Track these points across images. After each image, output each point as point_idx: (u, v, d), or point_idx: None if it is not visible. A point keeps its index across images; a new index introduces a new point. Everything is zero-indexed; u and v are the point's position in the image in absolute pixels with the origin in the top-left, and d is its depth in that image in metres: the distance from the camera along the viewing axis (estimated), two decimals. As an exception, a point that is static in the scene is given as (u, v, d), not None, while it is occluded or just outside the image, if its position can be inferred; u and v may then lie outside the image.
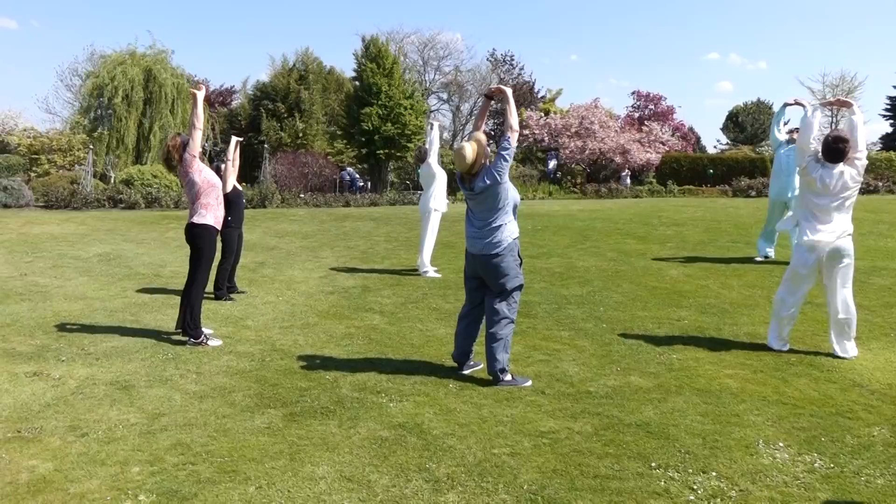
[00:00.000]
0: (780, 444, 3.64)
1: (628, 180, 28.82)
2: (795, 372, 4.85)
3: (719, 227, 12.87)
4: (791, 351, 5.34)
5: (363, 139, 27.51)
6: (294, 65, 34.58)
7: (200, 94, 5.48)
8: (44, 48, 69.04)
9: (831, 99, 5.87)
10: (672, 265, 9.19)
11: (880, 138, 41.34)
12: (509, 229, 4.57)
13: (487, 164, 4.56)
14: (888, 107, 40.41)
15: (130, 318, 6.43)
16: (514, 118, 4.63)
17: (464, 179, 4.60)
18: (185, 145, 5.48)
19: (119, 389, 4.44)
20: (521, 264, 4.68)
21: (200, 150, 5.59)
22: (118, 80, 27.20)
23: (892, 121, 40.40)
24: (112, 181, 22.95)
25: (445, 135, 42.16)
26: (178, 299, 6.24)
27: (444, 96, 45.19)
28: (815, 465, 3.42)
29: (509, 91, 4.77)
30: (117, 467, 3.32)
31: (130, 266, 9.36)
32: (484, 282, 4.72)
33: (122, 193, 19.28)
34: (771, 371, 4.87)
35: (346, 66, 47.77)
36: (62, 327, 5.99)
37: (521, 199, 4.98)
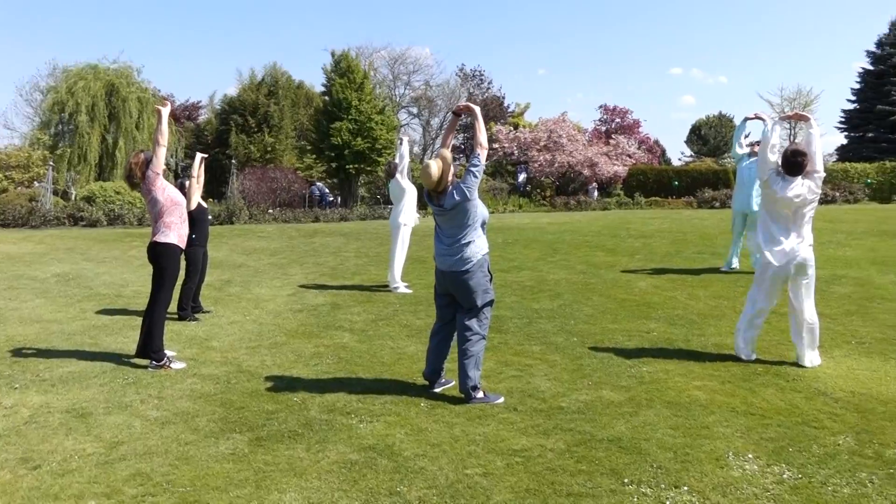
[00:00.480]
0: (749, 456, 3.64)
1: (595, 193, 29.13)
2: (762, 382, 4.89)
3: (685, 239, 13.04)
4: (757, 361, 5.39)
5: (333, 154, 27.39)
6: (263, 79, 34.39)
7: (165, 111, 5.37)
8: (2, 63, 67.58)
9: (789, 113, 5.98)
10: (641, 277, 9.26)
11: (836, 150, 42.47)
12: (479, 245, 4.54)
13: (455, 180, 4.53)
14: (842, 119, 41.52)
15: (89, 341, 6.24)
16: (482, 135, 4.62)
17: (431, 196, 4.56)
18: (148, 162, 5.35)
19: (75, 417, 4.28)
20: (491, 280, 4.65)
21: (165, 166, 5.47)
22: (79, 94, 26.68)
23: (846, 133, 41.51)
24: (73, 198, 22.45)
25: (416, 149, 42.21)
26: (139, 321, 6.07)
27: (415, 111, 45.28)
28: (784, 475, 3.42)
29: (478, 109, 4.75)
30: (72, 501, 3.18)
31: (90, 286, 9.11)
32: (454, 298, 4.67)
33: (83, 211, 18.88)
34: (738, 381, 4.89)
35: (315, 81, 47.63)
36: (16, 352, 5.78)
37: (491, 212, 4.97)
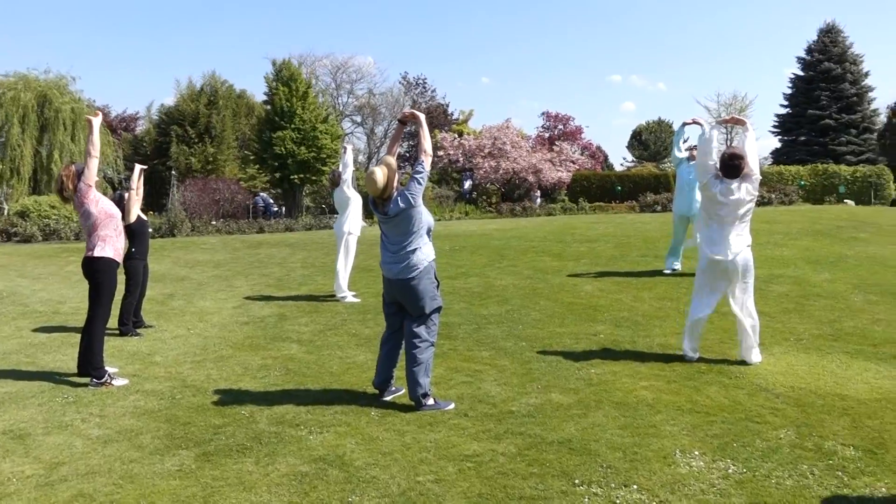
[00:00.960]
0: (696, 453, 3.75)
1: (539, 199, 29.50)
2: (706, 380, 5.04)
3: (629, 243, 13.32)
4: (701, 360, 5.55)
5: (276, 164, 27.03)
6: (202, 88, 33.70)
7: (96, 121, 5.21)
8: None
9: (726, 117, 6.17)
10: (586, 281, 9.43)
11: (770, 153, 44.20)
12: (425, 252, 4.55)
13: (400, 187, 4.54)
14: (776, 123, 43.25)
15: (26, 360, 5.98)
16: (427, 142, 4.65)
17: (377, 204, 4.56)
18: (79, 174, 5.17)
19: (13, 439, 4.09)
20: (438, 286, 4.66)
21: (103, 179, 5.30)
22: (8, 106, 25.64)
23: (780, 137, 43.24)
24: (6, 213, 21.54)
25: (360, 157, 42.02)
26: (78, 338, 5.85)
27: (358, 119, 45.14)
28: (729, 470, 3.53)
29: (422, 116, 4.79)
30: (9, 526, 3.05)
31: (26, 304, 8.74)
32: (402, 306, 4.67)
33: (16, 226, 18.09)
34: (683, 380, 5.03)
35: (256, 90, 46.91)
36: (-54, 374, 5.50)
37: (438, 219, 5.00)
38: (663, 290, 8.54)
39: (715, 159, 5.50)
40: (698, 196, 9.27)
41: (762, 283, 8.38)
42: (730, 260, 5.32)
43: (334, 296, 8.75)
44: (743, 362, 5.43)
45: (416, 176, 4.50)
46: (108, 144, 28.82)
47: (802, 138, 40.63)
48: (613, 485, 3.39)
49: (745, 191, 5.31)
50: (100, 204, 5.27)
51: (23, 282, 10.59)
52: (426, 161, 4.59)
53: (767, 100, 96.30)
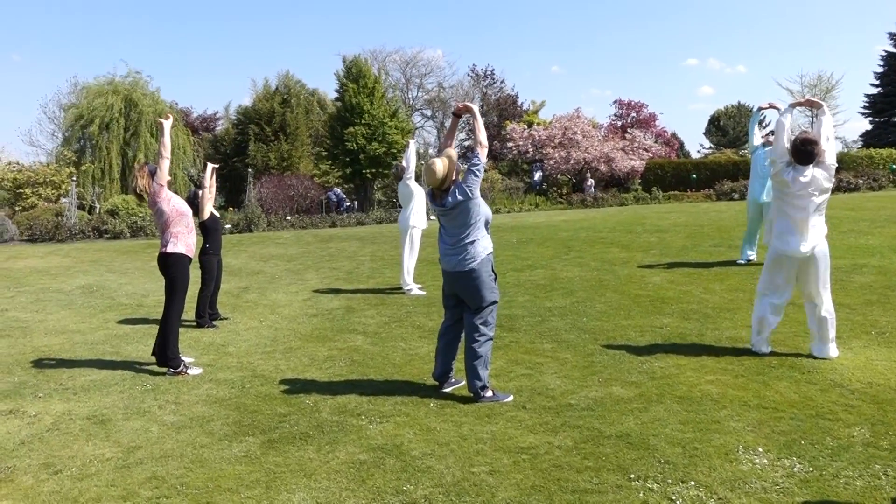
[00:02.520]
0: (760, 450, 3.63)
1: (593, 189, 28.73)
2: (777, 375, 4.86)
3: (702, 232, 12.93)
4: (772, 354, 5.34)
5: (348, 159, 27.54)
6: (276, 88, 34.70)
7: (167, 123, 5.47)
8: (26, 82, 68.96)
9: (800, 99, 5.85)
10: (655, 272, 9.22)
11: (860, 136, 41.75)
12: (482, 245, 4.57)
13: (458, 179, 4.57)
14: (866, 104, 40.81)
15: (111, 350, 6.37)
16: (482, 134, 4.66)
17: (434, 195, 4.60)
18: (152, 174, 5.46)
19: (95, 424, 4.38)
20: (496, 279, 4.67)
21: (170, 178, 5.58)
22: (98, 110, 27.18)
23: (870, 118, 40.78)
24: (97, 212, 22.87)
25: (431, 151, 42.29)
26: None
27: (428, 113, 45.44)
28: (795, 469, 3.41)
29: (476, 107, 4.80)
30: (90, 505, 3.27)
31: (113, 297, 9.29)
32: (461, 299, 4.71)
33: (106, 224, 19.21)
34: (752, 375, 4.87)
35: (328, 87, 47.89)
36: (41, 363, 5.93)
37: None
38: (736, 282, 8.25)
39: (788, 143, 5.27)
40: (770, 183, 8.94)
41: (844, 273, 7.98)
42: (802, 251, 5.09)
43: (400, 288, 8.89)
44: (816, 357, 5.19)
45: (472, 168, 4.52)
46: (189, 144, 30.16)
47: (896, 119, 38.22)
48: (670, 480, 3.33)
49: (822, 177, 5.05)
50: (171, 202, 5.55)
51: (111, 276, 11.25)
52: (482, 153, 4.60)
53: (856, 79, 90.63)
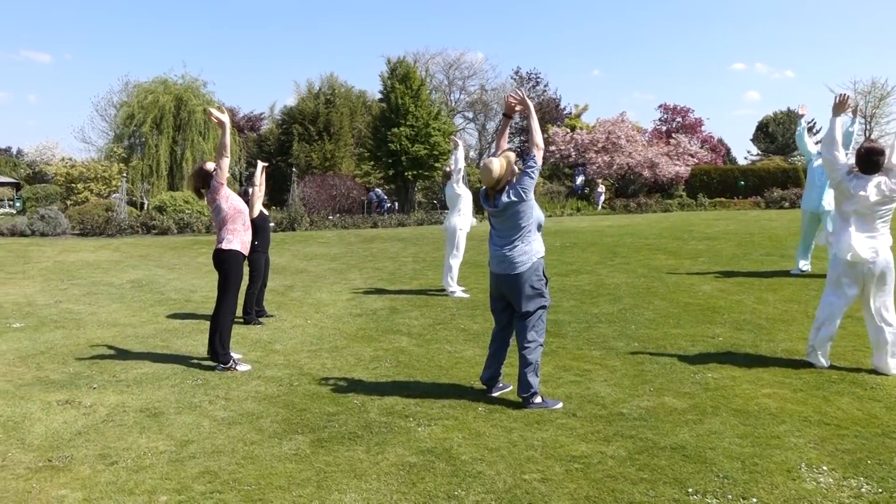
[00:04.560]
0: (824, 468, 3.49)
1: (602, 196, 28.08)
2: (837, 390, 4.68)
3: (752, 241, 12.62)
4: (832, 368, 5.16)
5: (390, 160, 27.68)
6: (320, 89, 35.10)
7: (226, 118, 5.52)
8: (77, 80, 71.22)
9: (851, 104, 5.50)
10: (705, 280, 9.01)
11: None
12: (533, 248, 4.50)
13: (513, 180, 4.51)
14: (924, 112, 39.47)
15: (161, 344, 6.48)
16: (538, 135, 4.58)
17: (488, 195, 4.55)
18: (212, 172, 5.54)
19: (148, 416, 4.45)
20: (546, 284, 4.60)
21: (230, 175, 5.65)
22: (149, 108, 27.84)
23: (929, 127, 39.45)
24: (146, 208, 23.41)
25: (472, 153, 42.27)
26: (208, 324, 6.28)
27: (470, 115, 45.43)
28: (862, 489, 3.26)
29: (532, 104, 4.66)
30: (145, 496, 3.31)
31: (162, 292, 9.47)
32: (510, 303, 4.65)
33: (154, 220, 19.65)
34: (811, 390, 4.70)
35: (371, 88, 48.24)
36: (95, 354, 6.06)
37: (549, 215, 4.91)
38: (790, 292, 8.01)
39: (842, 151, 5.09)
40: (828, 192, 8.68)
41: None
42: (866, 262, 4.91)
43: (444, 290, 8.87)
44: (880, 372, 4.99)
45: (528, 170, 4.44)
46: (235, 143, 30.69)
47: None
48: (730, 496, 3.22)
49: (887, 187, 4.87)
50: (230, 200, 5.62)
51: (159, 271, 11.48)
52: (538, 155, 4.52)
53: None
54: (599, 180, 28.98)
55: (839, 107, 5.22)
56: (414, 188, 29.41)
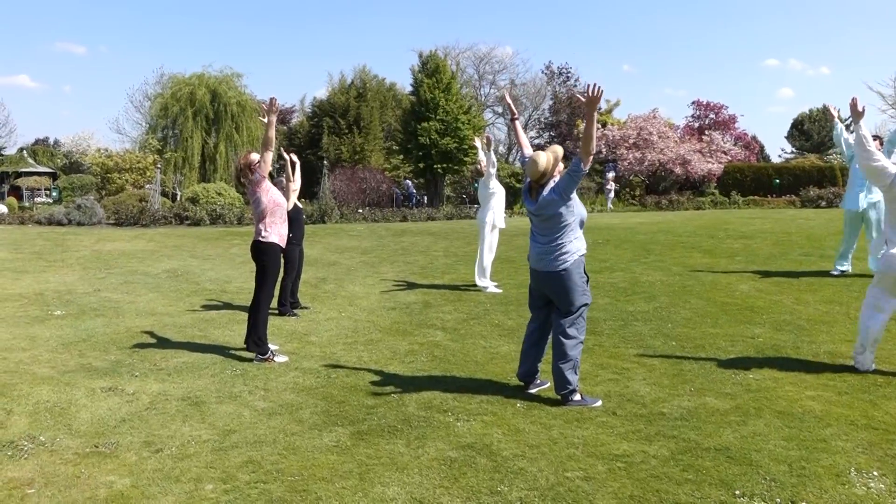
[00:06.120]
0: (875, 473, 3.41)
1: (612, 194, 27.46)
2: (885, 394, 4.57)
3: (790, 240, 12.39)
4: (877, 371, 5.04)
5: (420, 154, 27.69)
6: (352, 82, 35.22)
7: (273, 117, 5.54)
8: (113, 72, 72.45)
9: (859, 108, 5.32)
10: (742, 279, 8.87)
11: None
12: (575, 246, 4.46)
13: (557, 178, 4.47)
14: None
15: (199, 333, 6.57)
16: (592, 143, 4.28)
17: (531, 189, 4.51)
18: (255, 165, 5.59)
19: (190, 405, 4.51)
20: (587, 281, 4.56)
21: (270, 168, 5.69)
22: (184, 100, 28.18)
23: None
24: (179, 198, 23.73)
25: (501, 148, 42.10)
26: (243, 315, 6.35)
27: (499, 110, 45.22)
28: (916, 496, 3.18)
29: (594, 103, 4.16)
30: (191, 484, 3.36)
31: (197, 282, 9.60)
32: (549, 299, 4.62)
33: (187, 210, 19.92)
34: (857, 393, 4.60)
35: (402, 81, 48.27)
36: (135, 343, 6.16)
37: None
38: (830, 293, 7.85)
39: (884, 157, 4.97)
40: (867, 191, 8.50)
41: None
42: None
43: (475, 285, 8.85)
44: (929, 377, 4.87)
45: (572, 172, 4.32)
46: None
47: None
48: (779, 500, 3.16)
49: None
50: (270, 193, 5.67)
51: (194, 262, 11.63)
52: (585, 162, 4.29)
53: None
54: (609, 175, 28.28)
55: (857, 112, 5.20)
56: (443, 182, 29.39)
